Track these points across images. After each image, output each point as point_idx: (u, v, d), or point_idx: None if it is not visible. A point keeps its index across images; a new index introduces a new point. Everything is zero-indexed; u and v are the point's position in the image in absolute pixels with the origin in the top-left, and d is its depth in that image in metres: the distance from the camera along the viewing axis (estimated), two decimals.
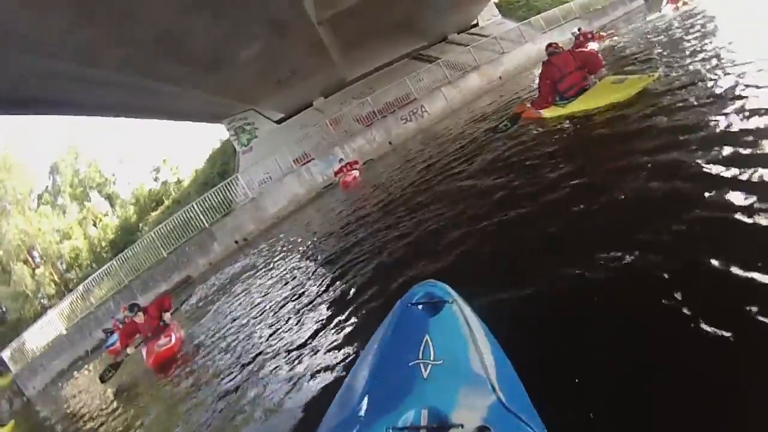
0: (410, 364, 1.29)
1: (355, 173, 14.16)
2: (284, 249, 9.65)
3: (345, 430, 1.21)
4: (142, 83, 11.92)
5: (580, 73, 5.39)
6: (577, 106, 5.29)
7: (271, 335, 4.25)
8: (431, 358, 1.29)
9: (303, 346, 3.48)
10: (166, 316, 6.95)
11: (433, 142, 12.29)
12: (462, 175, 5.95)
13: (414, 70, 20.78)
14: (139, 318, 6.85)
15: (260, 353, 3.96)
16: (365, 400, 1.28)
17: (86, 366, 14.94)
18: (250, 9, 10.12)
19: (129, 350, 6.72)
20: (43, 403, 15.90)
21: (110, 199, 31.32)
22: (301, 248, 8.51)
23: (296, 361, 3.29)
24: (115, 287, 18.23)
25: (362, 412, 1.24)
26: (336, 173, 15.07)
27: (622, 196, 2.76)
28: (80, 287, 19.83)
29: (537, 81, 6.00)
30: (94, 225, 28.22)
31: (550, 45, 5.86)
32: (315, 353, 3.22)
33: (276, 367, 3.40)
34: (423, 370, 1.26)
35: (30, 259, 25.19)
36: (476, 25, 24.63)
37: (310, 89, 18.87)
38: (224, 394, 3.61)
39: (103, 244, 26.60)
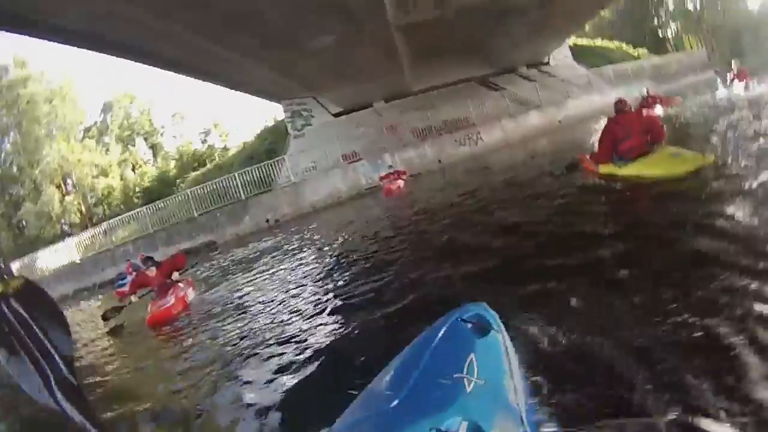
0: (455, 376, 1.34)
1: (401, 183, 14.22)
2: (314, 240, 9.77)
3: (385, 420, 1.29)
4: (208, 46, 12.04)
5: (642, 138, 5.32)
6: (633, 169, 5.26)
7: (277, 320, 4.29)
8: (475, 376, 1.34)
9: (301, 339, 3.52)
10: (175, 275, 7.01)
11: (483, 172, 12.32)
12: (503, 212, 5.96)
13: (478, 95, 20.74)
14: (151, 272, 6.95)
15: (261, 334, 4.01)
16: (409, 398, 1.33)
17: (91, 298, 15.20)
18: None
19: (134, 297, 6.88)
20: None
21: (154, 148, 31.70)
22: (330, 243, 8.58)
23: (291, 351, 3.33)
24: (139, 233, 18.51)
25: (404, 408, 1.30)
26: (382, 178, 15.07)
27: (653, 268, 2.72)
28: (105, 224, 20.19)
29: (599, 134, 5.87)
30: (133, 170, 28.57)
31: (619, 101, 5.74)
32: (307, 348, 3.27)
33: (271, 354, 3.41)
34: (467, 384, 1.32)
35: (63, 185, 25.63)
36: (547, 62, 24.39)
37: (373, 90, 18.88)
38: (209, 366, 3.63)
39: (137, 189, 26.89)
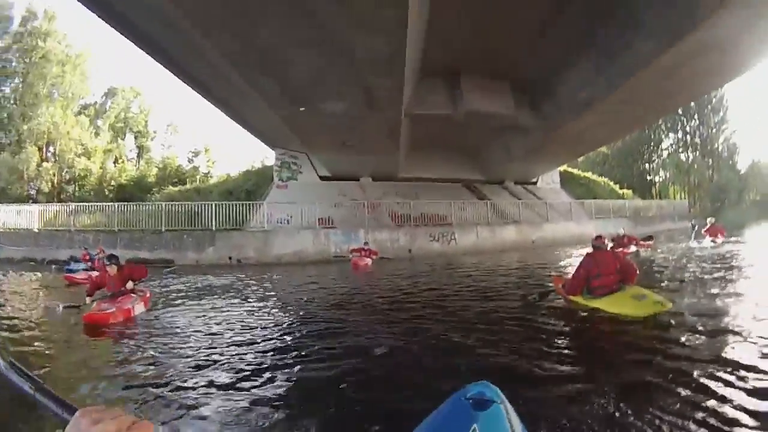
0: None
1: (369, 261, 14.74)
2: (271, 291, 9.94)
3: None
4: (235, 77, 12.36)
5: (615, 278, 5.73)
6: (599, 304, 5.63)
7: (218, 362, 4.38)
8: None
9: (236, 387, 3.66)
10: (129, 284, 7.01)
11: (449, 272, 12.59)
12: (463, 316, 6.09)
13: (461, 197, 21.56)
14: (112, 270, 6.96)
15: (197, 367, 4.16)
16: None
17: (34, 272, 14.82)
18: (355, 70, 10.53)
19: (88, 300, 6.82)
20: None
21: (141, 149, 31.75)
22: (285, 299, 8.75)
23: (207, 390, 3.55)
24: (103, 226, 18.42)
25: None
26: (353, 251, 15.52)
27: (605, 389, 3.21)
28: (73, 204, 20.03)
29: (567, 260, 6.38)
30: (115, 162, 28.45)
31: (598, 238, 6.20)
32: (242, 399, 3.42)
33: (206, 390, 3.58)
34: None
35: (44, 150, 25.31)
36: (535, 182, 25.63)
37: (364, 165, 19.45)
38: (131, 381, 3.83)
39: (113, 182, 26.73)
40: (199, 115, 77.49)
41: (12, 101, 26.30)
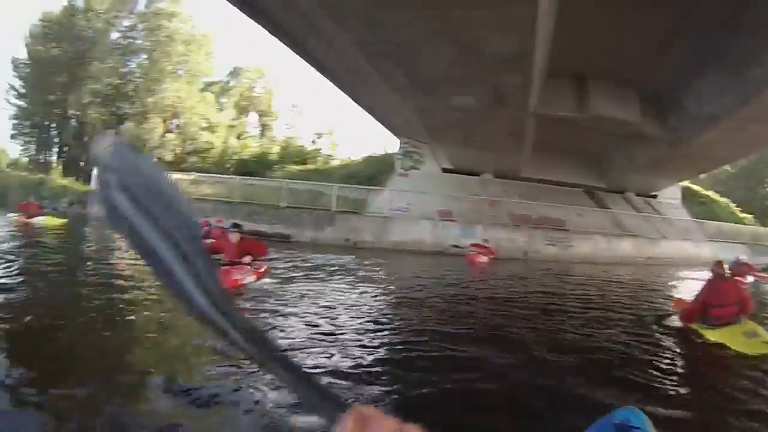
0: None
1: (485, 259, 14.49)
2: (388, 277, 10.01)
3: None
4: (365, 66, 12.46)
5: (734, 309, 5.40)
6: (712, 335, 5.36)
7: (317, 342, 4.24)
8: None
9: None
10: (247, 258, 6.74)
11: (565, 278, 12.12)
12: (574, 333, 5.65)
13: (581, 203, 20.52)
14: (234, 237, 6.79)
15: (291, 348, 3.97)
16: None
17: None
18: (484, 66, 10.42)
19: None
20: (95, 226, 17.03)
21: (264, 128, 32.83)
22: (400, 286, 8.71)
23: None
24: (222, 197, 18.97)
25: None
26: (473, 246, 15.19)
27: None
28: (195, 174, 20.86)
29: (683, 283, 5.95)
30: (238, 138, 29.55)
31: (718, 265, 5.79)
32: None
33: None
34: None
35: (168, 121, 26.66)
36: (655, 197, 23.98)
37: (486, 161, 18.96)
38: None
39: (234, 157, 27.76)
40: (324, 98, 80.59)
41: (138, 75, 27.97)
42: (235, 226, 7.18)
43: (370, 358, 4.07)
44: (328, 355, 3.96)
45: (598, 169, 21.50)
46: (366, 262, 12.18)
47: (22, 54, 32.76)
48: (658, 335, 5.77)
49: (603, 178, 21.74)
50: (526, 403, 3.27)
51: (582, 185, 21.36)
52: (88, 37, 30.61)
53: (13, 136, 34.93)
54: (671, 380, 4.00)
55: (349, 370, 3.64)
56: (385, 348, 4.52)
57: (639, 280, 13.26)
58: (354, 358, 3.96)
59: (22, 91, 32.84)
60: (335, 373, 3.57)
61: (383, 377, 3.62)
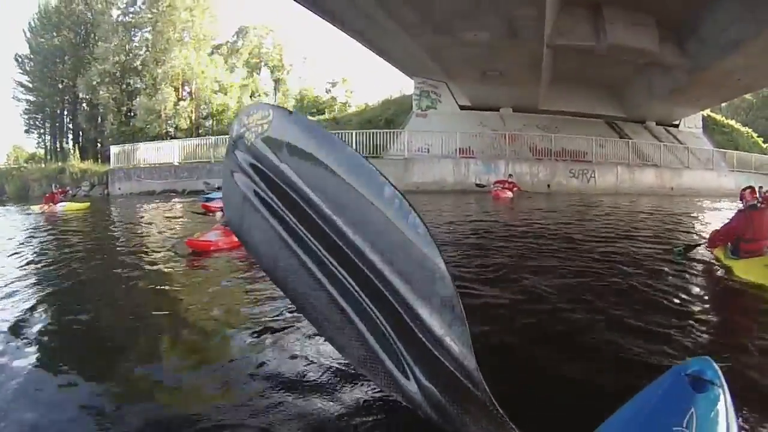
0: (674, 429, 1.38)
1: (510, 194, 14.57)
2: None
3: None
4: (372, 8, 12.39)
5: (765, 243, 4.81)
6: (737, 267, 4.84)
7: None
8: (693, 430, 1.37)
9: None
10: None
11: (587, 211, 11.84)
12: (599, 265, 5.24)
13: (601, 134, 20.19)
14: None
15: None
16: None
17: (175, 202, 15.77)
18: (497, 0, 10.45)
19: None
20: (119, 204, 17.10)
21: (277, 83, 32.72)
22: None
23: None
24: None
25: None
26: (496, 182, 15.15)
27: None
28: (213, 138, 20.91)
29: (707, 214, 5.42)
30: (251, 96, 29.49)
31: (751, 191, 5.09)
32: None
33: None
34: None
35: (180, 89, 26.64)
36: (677, 125, 23.52)
37: (504, 96, 18.85)
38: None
39: None
40: (335, 47, 79.64)
41: (144, 49, 27.88)
42: None
43: None
44: None
45: (618, 99, 21.15)
46: None
47: (24, 50, 33.01)
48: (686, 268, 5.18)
49: (623, 107, 21.39)
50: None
51: (602, 116, 21.04)
52: (89, 20, 30.61)
53: (27, 131, 35.43)
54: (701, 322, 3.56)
55: None
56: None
57: (662, 211, 12.79)
58: None
59: (30, 85, 33.06)
60: None
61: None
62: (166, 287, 4.49)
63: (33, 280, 4.87)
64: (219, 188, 12.10)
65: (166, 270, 5.21)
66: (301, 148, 1.90)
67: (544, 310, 3.59)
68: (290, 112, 1.98)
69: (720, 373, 1.60)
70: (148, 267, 5.34)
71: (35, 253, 6.70)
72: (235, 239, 5.72)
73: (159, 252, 6.29)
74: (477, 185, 15.98)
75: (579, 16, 14.42)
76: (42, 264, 5.80)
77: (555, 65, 16.70)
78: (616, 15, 14.22)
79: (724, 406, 1.49)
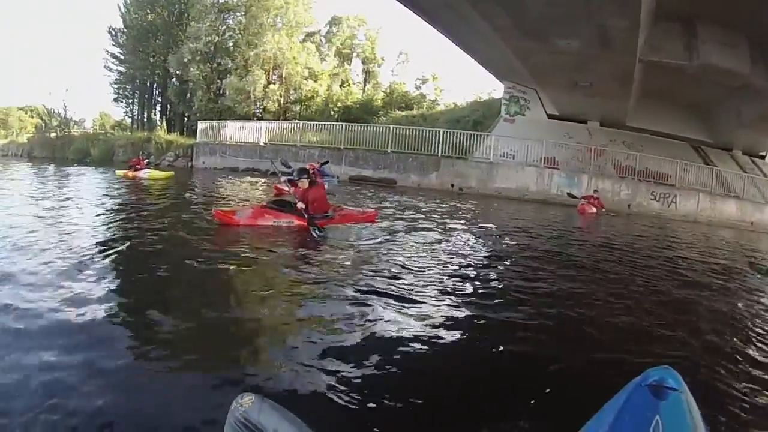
0: None
1: (595, 210, 14.73)
2: (495, 224, 9.78)
3: None
4: (465, 6, 12.51)
5: None
6: None
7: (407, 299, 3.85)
8: None
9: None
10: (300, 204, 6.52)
11: (665, 236, 11.72)
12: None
13: (686, 157, 19.92)
14: (303, 185, 6.74)
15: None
16: None
17: (257, 181, 16.49)
18: (591, 8, 10.42)
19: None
20: (201, 177, 18.15)
21: (368, 74, 33.61)
22: (508, 236, 8.36)
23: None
24: (329, 144, 19.80)
25: None
26: (584, 197, 15.40)
27: None
28: (301, 122, 21.86)
29: None
30: (341, 86, 30.48)
31: None
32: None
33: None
34: None
35: (270, 72, 27.81)
36: (763, 157, 22.88)
37: (592, 108, 18.75)
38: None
39: (338, 105, 28.79)
40: (428, 43, 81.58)
41: (237, 31, 29.21)
42: (302, 172, 7.04)
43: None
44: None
45: (705, 123, 20.73)
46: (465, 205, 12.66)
47: (117, 24, 35.41)
48: None
49: (709, 132, 20.93)
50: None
51: (688, 138, 20.70)
52: (182, 0, 32.30)
53: (116, 99, 37.97)
54: None
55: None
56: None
57: (741, 243, 12.60)
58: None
59: (122, 57, 35.38)
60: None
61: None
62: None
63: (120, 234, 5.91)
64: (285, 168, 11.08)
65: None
66: None
67: None
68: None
69: (681, 380, 1.62)
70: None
71: (121, 209, 8.28)
72: (256, 220, 6.39)
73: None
74: (569, 195, 16.13)
75: (672, 32, 14.10)
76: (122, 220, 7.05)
77: (645, 81, 16.58)
78: (709, 32, 13.80)
79: (689, 411, 1.51)
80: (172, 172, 17.07)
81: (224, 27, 29.63)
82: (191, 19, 29.74)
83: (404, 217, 9.20)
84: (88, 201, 9.08)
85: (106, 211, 8.15)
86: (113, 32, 35.48)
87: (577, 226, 11.73)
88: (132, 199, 10.32)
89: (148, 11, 32.95)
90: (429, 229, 7.65)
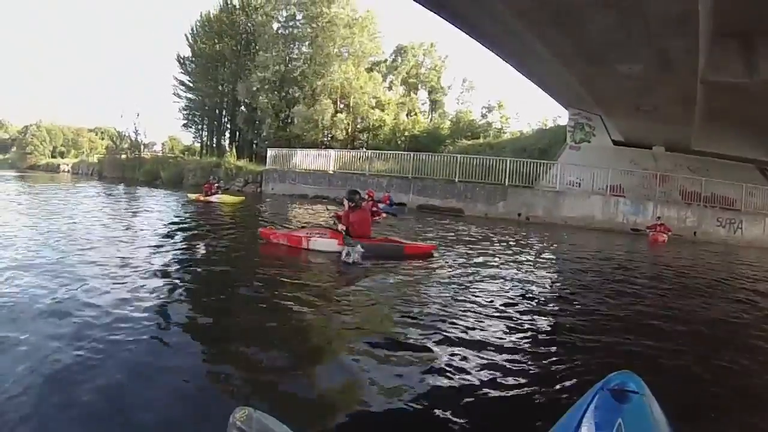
0: None
1: (665, 237, 15.03)
2: (560, 258, 10.43)
3: None
4: (526, 32, 12.53)
5: None
6: None
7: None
8: None
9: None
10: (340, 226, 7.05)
11: (736, 267, 11.68)
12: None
13: (752, 180, 19.87)
14: (346, 205, 7.24)
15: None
16: None
17: (324, 208, 17.03)
18: (650, 31, 10.43)
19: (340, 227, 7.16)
20: (269, 202, 19.32)
21: (434, 103, 34.76)
22: (579, 268, 8.82)
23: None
24: (396, 173, 20.83)
25: None
26: (649, 227, 15.81)
27: None
28: (369, 151, 23.10)
29: None
30: (408, 114, 31.86)
31: None
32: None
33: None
34: None
35: (338, 102, 29.37)
36: None
37: (657, 133, 18.81)
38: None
39: (406, 134, 30.09)
40: (494, 71, 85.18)
41: (303, 61, 30.98)
42: (353, 194, 7.52)
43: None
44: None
45: None
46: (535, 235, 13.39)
47: (185, 52, 37.89)
48: None
49: None
50: None
51: (753, 160, 20.51)
52: (249, 30, 34.28)
53: (185, 125, 40.43)
54: None
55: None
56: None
57: None
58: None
59: (190, 84, 37.80)
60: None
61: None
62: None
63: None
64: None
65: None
66: None
67: None
68: None
69: (643, 383, 1.65)
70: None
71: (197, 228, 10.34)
72: (294, 242, 7.23)
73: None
74: (633, 230, 16.64)
75: (731, 50, 13.86)
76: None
77: (708, 103, 16.56)
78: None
79: (651, 413, 1.53)
80: (243, 197, 18.12)
81: (291, 56, 31.42)
82: (258, 49, 31.71)
83: (473, 248, 9.64)
84: (165, 221, 11.23)
85: (183, 230, 10.07)
86: (182, 60, 38.24)
87: (652, 260, 11.98)
88: (208, 221, 12.00)
89: (216, 41, 35.31)
90: (496, 265, 7.91)
